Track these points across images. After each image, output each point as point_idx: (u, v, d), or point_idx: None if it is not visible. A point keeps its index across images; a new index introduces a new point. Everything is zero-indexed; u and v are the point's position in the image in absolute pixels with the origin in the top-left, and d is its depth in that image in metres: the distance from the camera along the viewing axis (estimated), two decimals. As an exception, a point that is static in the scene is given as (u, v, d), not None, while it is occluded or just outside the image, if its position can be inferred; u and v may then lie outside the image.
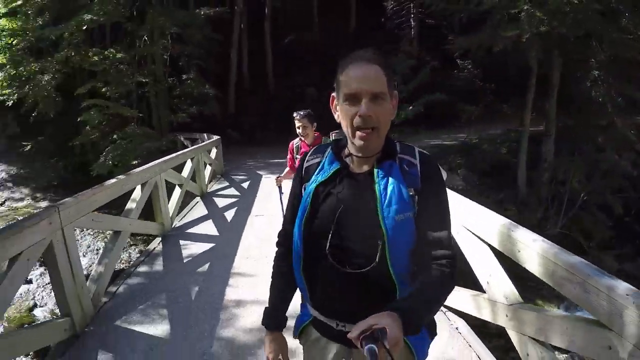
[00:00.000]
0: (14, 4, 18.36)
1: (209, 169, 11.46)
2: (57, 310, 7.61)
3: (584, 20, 11.26)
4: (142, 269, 5.65)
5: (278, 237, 1.83)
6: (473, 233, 3.43)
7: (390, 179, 1.48)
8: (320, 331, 1.66)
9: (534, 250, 2.60)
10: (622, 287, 1.96)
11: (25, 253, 3.33)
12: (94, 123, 17.57)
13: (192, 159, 9.57)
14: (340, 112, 1.51)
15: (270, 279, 1.82)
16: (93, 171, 16.76)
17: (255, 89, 25.65)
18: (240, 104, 24.73)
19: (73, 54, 17.92)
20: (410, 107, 17.59)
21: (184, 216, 8.33)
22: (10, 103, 18.96)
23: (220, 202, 9.47)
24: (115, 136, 17.09)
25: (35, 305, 8.68)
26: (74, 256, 4.00)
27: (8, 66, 18.75)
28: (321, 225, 1.52)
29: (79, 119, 18.13)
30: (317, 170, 1.63)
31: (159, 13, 18.37)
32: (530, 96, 14.64)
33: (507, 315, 2.99)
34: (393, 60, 19.19)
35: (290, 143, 5.16)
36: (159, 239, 6.81)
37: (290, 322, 1.79)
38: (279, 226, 1.83)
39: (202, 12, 19.32)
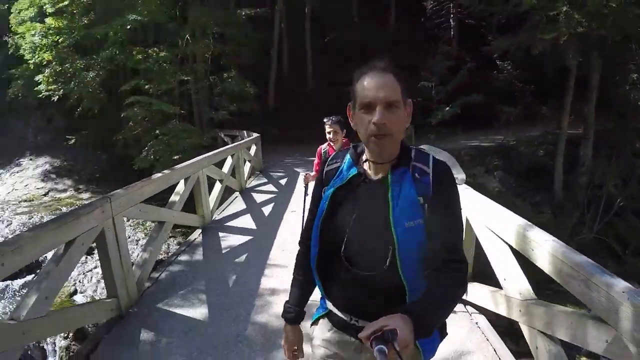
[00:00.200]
0: (60, 4, 18.87)
1: (248, 165, 11.73)
2: (96, 296, 8.11)
3: (624, 23, 11.16)
4: (183, 257, 6.00)
5: (300, 236, 1.91)
6: (494, 233, 3.57)
7: (403, 187, 1.52)
8: (335, 324, 1.73)
9: (545, 249, 2.75)
10: (620, 285, 2.10)
11: (80, 238, 3.68)
12: (137, 119, 18.00)
13: (232, 156, 9.82)
14: (356, 120, 1.56)
15: (292, 275, 1.92)
16: (135, 165, 17.16)
17: (295, 86, 25.64)
18: (280, 102, 24.82)
19: (117, 52, 18.41)
20: (447, 108, 17.59)
21: (223, 210, 8.64)
22: (55, 98, 19.47)
23: (258, 198, 9.72)
24: (157, 132, 17.40)
25: (75, 292, 9.06)
26: (122, 243, 4.36)
27: (54, 63, 19.28)
28: (337, 228, 1.58)
29: (122, 115, 18.49)
30: (336, 175, 1.68)
31: (200, 13, 18.70)
32: (568, 98, 14.41)
33: (520, 310, 3.14)
34: (432, 61, 19.23)
35: (319, 147, 5.19)
36: (199, 231, 7.15)
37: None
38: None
39: (244, 13, 19.52)
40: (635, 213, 13.38)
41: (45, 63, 19.71)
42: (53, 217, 13.73)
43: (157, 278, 5.26)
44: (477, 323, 3.91)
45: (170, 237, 10.75)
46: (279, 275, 5.16)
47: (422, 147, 2.42)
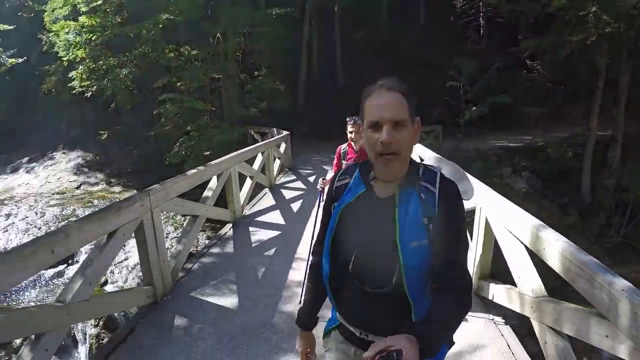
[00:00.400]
0: (94, 3, 19.22)
1: (277, 162, 11.90)
2: (126, 287, 8.44)
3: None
4: (215, 250, 6.28)
5: (312, 246, 1.96)
6: (511, 233, 3.69)
7: (409, 206, 1.54)
8: (345, 336, 1.76)
9: (555, 248, 2.89)
10: (621, 283, 2.25)
11: (121, 229, 3.97)
12: (169, 115, 18.32)
13: (262, 153, 10.04)
14: (364, 139, 1.58)
15: (305, 284, 2.03)
16: (166, 160, 17.43)
17: (324, 84, 25.76)
18: (309, 99, 24.95)
19: (150, 50, 18.78)
20: (474, 108, 17.56)
21: (253, 205, 8.90)
22: (89, 94, 19.96)
23: (287, 194, 9.95)
24: (188, 128, 17.75)
25: (106, 282, 9.40)
26: (159, 234, 4.64)
27: (87, 60, 19.68)
28: (345, 245, 1.60)
29: (155, 112, 18.87)
30: (345, 191, 1.69)
31: (231, 12, 18.87)
32: (597, 99, 14.33)
33: (532, 307, 3.28)
34: (460, 60, 19.16)
35: (338, 147, 5.18)
36: (230, 225, 7.42)
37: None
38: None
39: (274, 12, 19.62)
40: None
41: (78, 60, 20.13)
42: (85, 209, 14.23)
43: (190, 269, 5.53)
44: (492, 319, 4.05)
45: (200, 231, 11.08)
46: (305, 268, 5.34)
47: (431, 158, 2.63)
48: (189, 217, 6.19)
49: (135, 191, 18.67)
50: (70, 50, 20.17)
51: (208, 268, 5.62)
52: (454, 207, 1.56)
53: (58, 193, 19.60)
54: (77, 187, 20.69)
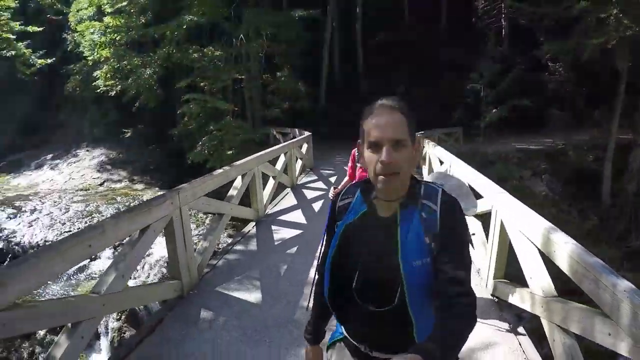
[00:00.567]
0: (119, 5, 19.66)
1: (299, 162, 12.08)
2: (148, 282, 8.67)
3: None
4: (238, 247, 6.50)
5: (319, 262, 1.96)
6: (525, 235, 3.79)
7: (411, 226, 1.54)
8: (349, 349, 1.77)
9: (564, 250, 3.01)
10: (624, 285, 2.38)
11: (152, 226, 4.20)
12: (192, 115, 18.61)
13: (285, 154, 10.24)
14: (365, 158, 1.57)
15: (312, 301, 2.01)
16: (189, 158, 17.75)
17: (346, 85, 25.83)
18: (331, 100, 24.97)
19: (174, 50, 19.07)
20: (495, 110, 17.56)
21: (275, 205, 9.07)
22: (112, 93, 20.39)
23: (309, 194, 10.10)
24: (211, 127, 18.00)
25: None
26: (187, 231, 4.85)
27: (112, 60, 20.17)
28: (347, 265, 1.61)
29: (178, 111, 19.21)
30: (348, 210, 1.71)
31: (254, 14, 19.11)
32: (618, 103, 14.24)
33: (542, 306, 3.39)
34: (481, 62, 19.17)
35: (353, 151, 4.93)
36: (253, 223, 7.62)
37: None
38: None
39: (297, 15, 19.77)
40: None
41: (103, 60, 20.61)
42: (109, 206, 14.53)
43: (214, 265, 5.75)
44: (505, 318, 4.17)
45: (222, 229, 11.35)
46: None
47: (434, 173, 2.57)
48: (213, 215, 6.42)
49: (157, 189, 19.06)
50: (95, 50, 20.72)
51: (232, 264, 5.84)
52: (456, 224, 1.56)
53: (82, 189, 20.10)
54: (101, 184, 21.10)
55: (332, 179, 11.91)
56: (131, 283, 9.29)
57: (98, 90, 21.43)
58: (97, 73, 20.84)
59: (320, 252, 1.94)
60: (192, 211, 12.26)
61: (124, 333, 8.12)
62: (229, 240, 8.04)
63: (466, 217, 1.71)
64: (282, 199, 9.64)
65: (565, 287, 3.48)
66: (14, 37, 17.67)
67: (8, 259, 12.10)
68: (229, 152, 16.87)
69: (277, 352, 3.73)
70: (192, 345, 3.88)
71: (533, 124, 19.49)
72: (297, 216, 8.22)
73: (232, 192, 6.85)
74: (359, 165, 4.71)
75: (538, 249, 3.57)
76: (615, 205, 14.11)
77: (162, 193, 4.88)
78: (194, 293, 4.91)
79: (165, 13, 20.02)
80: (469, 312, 1.41)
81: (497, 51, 20.83)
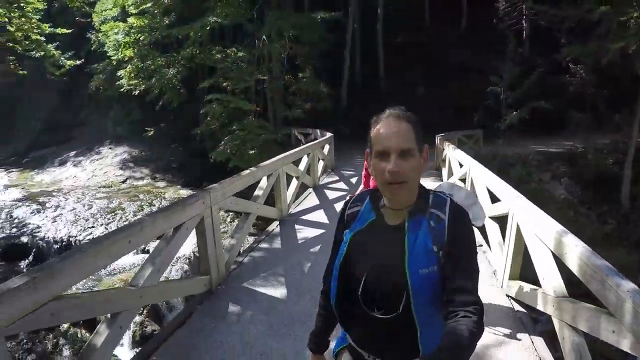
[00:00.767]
0: (144, 6, 19.98)
1: (321, 163, 12.26)
2: (170, 278, 8.94)
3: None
4: (263, 245, 6.75)
5: (325, 272, 1.91)
6: (539, 238, 3.95)
7: (418, 234, 1.54)
8: (354, 357, 1.76)
9: (574, 253, 3.17)
10: (627, 285, 2.55)
11: (186, 224, 4.45)
12: (215, 115, 18.83)
13: (308, 155, 10.41)
14: (373, 168, 1.57)
15: (317, 308, 1.99)
16: (211, 157, 17.97)
17: (367, 86, 25.89)
18: (352, 101, 25.02)
19: (198, 51, 19.39)
20: (515, 113, 17.56)
21: (298, 204, 9.27)
22: (136, 92, 20.69)
23: (330, 194, 10.28)
24: (233, 127, 18.18)
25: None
26: (216, 229, 5.12)
27: (135, 60, 20.49)
28: (355, 272, 1.61)
29: (201, 111, 19.40)
30: (356, 218, 1.72)
31: (277, 16, 19.25)
32: (639, 107, 14.22)
33: (553, 306, 3.56)
34: (502, 64, 19.16)
35: (366, 159, 5.22)
36: (277, 222, 7.84)
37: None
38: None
39: (319, 17, 19.81)
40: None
41: (126, 59, 20.96)
42: (131, 202, 14.79)
43: (241, 262, 6.01)
44: (519, 317, 4.33)
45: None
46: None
47: (443, 184, 2.51)
48: (235, 213, 6.63)
49: (179, 186, 19.32)
50: (119, 49, 21.08)
51: (257, 262, 6.07)
52: (464, 233, 1.56)
53: (104, 186, 20.38)
54: (123, 181, 21.40)
55: (353, 180, 12.04)
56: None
57: (122, 90, 21.84)
58: (121, 72, 21.22)
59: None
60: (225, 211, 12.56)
61: (146, 327, 8.31)
62: (251, 239, 8.26)
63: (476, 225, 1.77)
64: (304, 198, 9.84)
65: (575, 291, 3.61)
66: (44, 39, 18.05)
67: (32, 254, 12.54)
68: (251, 152, 17.09)
69: (302, 346, 3.83)
70: (221, 337, 4.09)
71: (553, 126, 19.36)
72: (320, 216, 8.40)
73: (258, 192, 7.11)
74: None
75: (551, 251, 3.72)
76: (635, 210, 14.06)
77: (194, 193, 5.12)
78: (222, 288, 5.15)
79: (188, 14, 20.27)
80: (476, 322, 1.38)
81: (517, 53, 20.70)
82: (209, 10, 19.14)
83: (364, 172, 5.20)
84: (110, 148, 25.27)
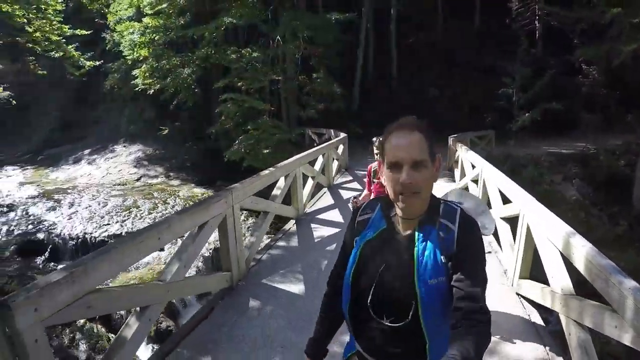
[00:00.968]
0: (159, 7, 20.12)
1: (336, 163, 12.42)
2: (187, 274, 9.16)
3: None
4: (281, 243, 6.95)
5: (329, 277, 1.96)
6: (548, 238, 4.11)
7: (428, 244, 1.56)
8: None
9: (581, 253, 3.32)
10: (629, 283, 2.70)
11: (210, 222, 4.65)
12: (230, 114, 18.94)
13: (323, 155, 10.59)
14: (385, 178, 1.59)
15: (318, 313, 1.98)
16: (226, 156, 18.06)
17: (380, 86, 25.91)
18: (365, 101, 25.03)
19: (212, 51, 19.51)
20: (526, 114, 17.60)
21: (313, 204, 9.46)
22: (151, 92, 20.82)
23: (344, 194, 10.42)
24: (248, 127, 18.28)
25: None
26: (237, 227, 5.31)
27: (150, 59, 20.65)
28: (365, 279, 1.63)
29: (216, 110, 19.50)
30: (367, 226, 1.73)
31: (291, 16, 19.33)
32: (651, 108, 14.19)
33: (560, 303, 3.71)
34: (514, 64, 19.18)
35: (369, 166, 5.14)
36: (293, 221, 8.05)
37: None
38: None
39: (333, 18, 19.84)
40: None
41: (141, 59, 21.12)
42: (146, 200, 14.96)
43: (260, 259, 6.22)
44: (529, 315, 4.48)
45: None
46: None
47: (453, 190, 2.49)
48: (251, 212, 6.79)
49: (193, 185, 19.45)
50: (135, 49, 21.23)
51: (276, 259, 6.28)
52: (473, 242, 1.58)
53: (119, 184, 20.42)
54: (137, 180, 21.43)
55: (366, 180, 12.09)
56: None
57: (136, 89, 22.03)
58: (135, 72, 21.35)
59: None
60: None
61: (161, 323, 8.42)
62: (266, 237, 8.43)
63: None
64: (319, 198, 10.00)
65: (583, 291, 3.74)
66: (64, 40, 18.33)
67: (48, 250, 12.70)
68: (265, 151, 17.19)
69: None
70: (242, 331, 4.28)
71: (565, 127, 19.34)
72: (334, 215, 8.56)
73: (276, 191, 7.32)
74: (375, 180, 4.88)
75: (559, 251, 3.87)
76: (647, 212, 14.03)
77: (217, 192, 5.28)
78: (242, 284, 5.35)
79: (203, 14, 20.48)
80: (484, 330, 1.41)
81: (530, 53, 20.68)
82: (224, 10, 19.30)
83: (366, 179, 5.23)
84: (124, 146, 25.40)
